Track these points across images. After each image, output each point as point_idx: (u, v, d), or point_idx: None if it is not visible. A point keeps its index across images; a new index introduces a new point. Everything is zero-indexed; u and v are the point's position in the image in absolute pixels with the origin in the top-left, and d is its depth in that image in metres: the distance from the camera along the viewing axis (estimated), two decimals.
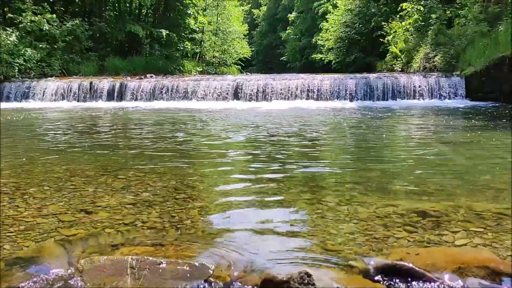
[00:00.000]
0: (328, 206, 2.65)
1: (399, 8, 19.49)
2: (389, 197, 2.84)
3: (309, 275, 1.64)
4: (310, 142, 5.54)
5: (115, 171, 3.70)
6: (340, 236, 2.20)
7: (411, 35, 18.88)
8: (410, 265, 1.77)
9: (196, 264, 1.83)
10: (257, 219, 2.48)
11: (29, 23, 16.63)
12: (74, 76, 16.65)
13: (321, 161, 4.42)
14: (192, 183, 3.31)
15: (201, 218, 2.49)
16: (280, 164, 4.07)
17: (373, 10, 24.13)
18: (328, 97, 12.87)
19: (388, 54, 20.62)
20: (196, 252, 2.00)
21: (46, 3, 18.00)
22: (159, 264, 1.80)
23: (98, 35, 20.82)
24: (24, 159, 4.38)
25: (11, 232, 2.26)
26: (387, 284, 1.72)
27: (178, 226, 2.34)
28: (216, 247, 2.06)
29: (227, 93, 13.47)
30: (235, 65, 33.09)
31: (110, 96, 14.08)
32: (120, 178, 3.44)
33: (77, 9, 22.05)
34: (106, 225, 2.35)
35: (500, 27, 13.24)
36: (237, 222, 2.43)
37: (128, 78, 15.42)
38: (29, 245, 2.10)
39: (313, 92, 12.99)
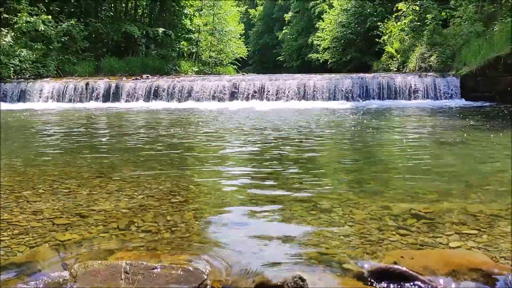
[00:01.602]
0: (323, 209, 2.66)
1: (395, 8, 19.54)
2: (383, 199, 2.85)
3: (303, 280, 1.64)
4: (305, 143, 5.55)
5: (110, 174, 3.69)
6: (334, 239, 2.20)
7: (407, 35, 18.93)
8: (404, 268, 1.77)
9: (191, 268, 1.83)
10: (252, 222, 2.48)
11: (24, 24, 16.54)
12: (70, 77, 16.58)
13: (317, 163, 4.42)
14: (187, 186, 3.31)
15: (196, 221, 2.49)
16: (275, 166, 4.08)
17: (368, 10, 24.17)
18: (324, 97, 12.88)
19: (384, 54, 20.67)
20: (191, 256, 2.00)
21: (41, 4, 17.91)
22: (153, 269, 1.80)
23: (94, 35, 20.74)
24: (18, 161, 4.37)
25: (5, 237, 2.25)
26: (381, 287, 1.72)
27: (173, 229, 2.34)
28: (211, 251, 2.06)
29: (224, 94, 13.46)
30: (232, 65, 33.04)
31: (106, 97, 14.03)
32: (115, 181, 3.44)
33: (72, 10, 21.95)
34: (100, 229, 2.35)
35: (495, 27, 13.29)
36: (232, 226, 2.43)
37: (124, 78, 15.38)
38: (23, 250, 2.09)
39: (309, 92, 12.99)
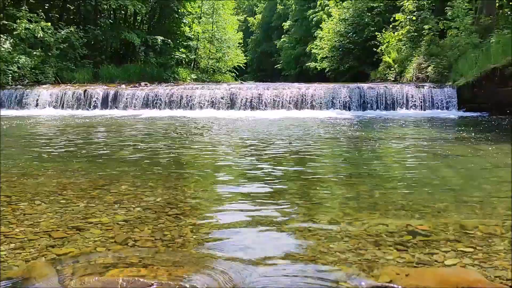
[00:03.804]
0: (319, 224, 2.66)
1: (392, 18, 19.70)
2: (380, 214, 2.86)
3: None
4: (302, 155, 5.57)
5: (107, 185, 3.69)
6: (331, 255, 2.21)
7: (404, 45, 19.07)
8: (400, 287, 1.78)
9: (187, 285, 1.83)
10: (248, 237, 2.48)
11: (23, 31, 16.59)
12: (68, 84, 16.60)
13: (314, 176, 4.43)
14: (185, 198, 3.31)
15: (193, 236, 2.50)
16: (272, 178, 4.08)
17: (366, 20, 24.37)
18: (321, 107, 12.94)
19: (382, 64, 20.80)
20: (188, 273, 2.00)
21: (40, 10, 17.98)
22: (150, 285, 1.80)
23: (93, 42, 20.81)
24: (15, 171, 4.36)
25: (2, 251, 2.25)
26: None
27: (170, 244, 2.34)
28: (208, 267, 2.06)
29: (221, 102, 13.50)
30: (230, 73, 33.18)
31: (104, 104, 14.06)
32: (113, 192, 3.44)
33: (72, 17, 22.06)
34: (97, 244, 2.35)
35: (491, 38, 13.41)
36: (228, 240, 2.43)
37: (123, 86, 15.42)
38: (19, 264, 2.09)
39: (307, 101, 13.05)
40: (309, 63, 33.31)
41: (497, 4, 16.31)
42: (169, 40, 22.98)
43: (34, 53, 16.76)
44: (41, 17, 17.70)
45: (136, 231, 2.55)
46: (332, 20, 28.38)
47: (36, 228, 2.60)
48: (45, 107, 14.09)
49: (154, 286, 1.80)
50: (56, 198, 3.25)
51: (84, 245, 2.33)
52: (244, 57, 37.48)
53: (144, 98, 13.96)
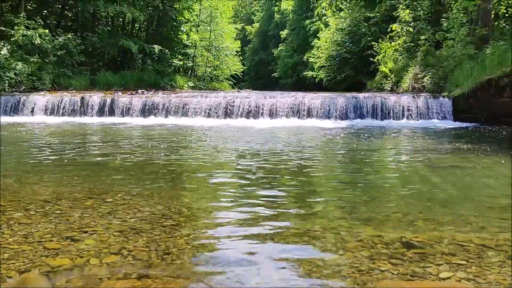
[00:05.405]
0: (315, 235, 2.67)
1: (389, 29, 19.85)
2: (375, 226, 2.87)
3: None
4: (298, 165, 5.57)
5: (102, 194, 3.68)
6: (326, 267, 2.21)
7: (400, 55, 19.20)
8: None
9: None
10: (243, 248, 2.48)
11: (21, 37, 16.59)
12: (65, 91, 16.58)
13: (309, 186, 4.44)
14: (180, 209, 3.31)
15: (188, 247, 2.49)
16: (269, 189, 4.09)
17: (363, 30, 24.54)
18: (318, 116, 12.97)
19: (378, 73, 20.91)
20: (182, 285, 2.00)
21: (38, 17, 18.01)
22: None
23: (90, 49, 20.84)
24: (10, 180, 4.34)
25: None
26: None
27: (164, 256, 2.33)
28: (203, 279, 2.06)
29: (218, 111, 13.51)
30: (227, 81, 33.26)
31: (100, 112, 14.04)
32: (108, 202, 3.43)
33: (70, 24, 22.11)
34: (91, 254, 2.34)
35: (487, 50, 13.52)
36: (223, 251, 2.43)
37: (120, 93, 15.41)
38: (13, 275, 2.08)
39: (304, 110, 13.09)
40: (306, 72, 33.47)
41: (492, 16, 16.47)
42: (166, 50, 23.05)
43: (31, 59, 16.74)
44: (39, 23, 17.73)
45: (131, 241, 2.54)
46: (329, 30, 28.56)
47: (30, 238, 2.59)
48: (42, 114, 14.05)
49: None
50: (51, 208, 3.24)
51: (79, 256, 2.32)
52: (242, 65, 37.58)
53: (141, 106, 13.95)
